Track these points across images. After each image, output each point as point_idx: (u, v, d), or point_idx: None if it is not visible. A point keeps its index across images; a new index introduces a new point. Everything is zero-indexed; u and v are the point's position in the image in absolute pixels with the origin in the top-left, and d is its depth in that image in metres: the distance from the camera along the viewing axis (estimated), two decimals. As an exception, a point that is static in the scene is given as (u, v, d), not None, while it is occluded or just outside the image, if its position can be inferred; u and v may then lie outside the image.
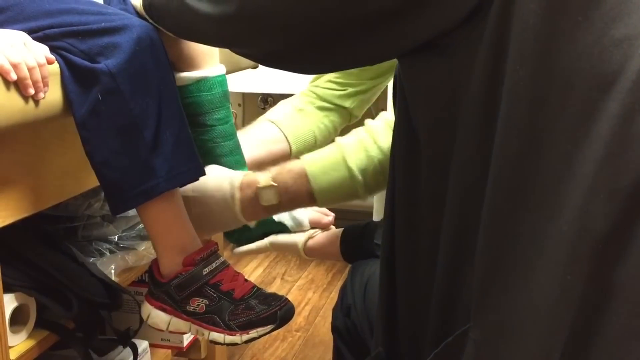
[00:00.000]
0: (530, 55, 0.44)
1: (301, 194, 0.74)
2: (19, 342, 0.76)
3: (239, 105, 2.19)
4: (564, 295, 0.43)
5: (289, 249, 0.88)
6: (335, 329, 0.86)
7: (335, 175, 0.73)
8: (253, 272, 1.95)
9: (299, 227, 0.86)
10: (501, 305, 0.47)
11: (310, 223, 0.88)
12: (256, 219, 0.78)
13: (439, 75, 0.51)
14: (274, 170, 0.76)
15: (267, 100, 2.18)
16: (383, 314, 0.61)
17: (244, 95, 2.17)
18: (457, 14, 0.47)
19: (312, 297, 1.81)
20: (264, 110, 2.20)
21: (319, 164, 0.75)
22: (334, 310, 0.88)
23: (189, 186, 0.77)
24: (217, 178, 0.77)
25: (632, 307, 0.41)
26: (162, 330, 0.77)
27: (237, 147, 0.84)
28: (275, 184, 0.74)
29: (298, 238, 0.88)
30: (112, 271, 0.94)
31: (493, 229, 0.47)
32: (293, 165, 0.76)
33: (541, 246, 0.44)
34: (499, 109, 0.46)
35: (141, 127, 0.69)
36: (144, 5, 0.72)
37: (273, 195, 0.74)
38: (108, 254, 0.98)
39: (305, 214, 0.86)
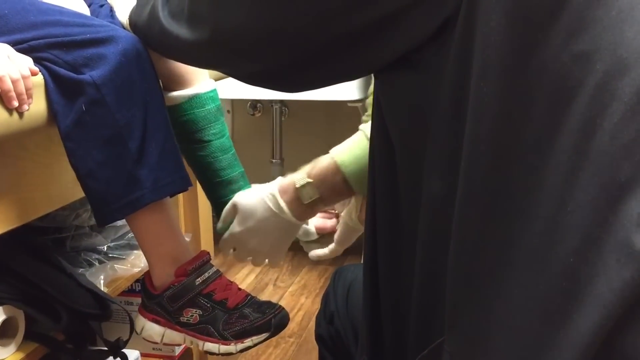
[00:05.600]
0: (492, 71, 0.45)
1: (337, 184, 0.75)
2: (8, 355, 0.76)
3: (228, 111, 2.18)
4: (537, 305, 0.44)
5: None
6: (319, 337, 0.86)
7: (363, 155, 0.73)
8: (245, 278, 1.94)
9: (306, 236, 0.86)
10: (474, 316, 0.47)
11: (317, 230, 0.88)
12: (309, 217, 0.79)
13: (411, 89, 0.52)
14: (307, 167, 0.77)
15: (257, 106, 2.18)
16: (367, 322, 0.61)
17: (233, 101, 2.17)
18: (425, 32, 0.48)
19: (305, 302, 1.81)
20: (253, 116, 2.20)
21: (346, 151, 0.75)
22: (317, 317, 0.88)
23: (235, 223, 0.78)
24: (255, 198, 0.78)
25: (604, 312, 0.42)
26: (156, 343, 0.77)
27: (235, 159, 0.85)
28: (311, 180, 0.75)
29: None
30: (102, 281, 0.93)
31: (463, 241, 0.47)
32: (323, 159, 0.77)
33: (512, 258, 0.45)
34: (466, 125, 0.47)
35: (126, 138, 0.68)
36: (130, 24, 0.73)
37: (313, 191, 0.74)
38: (97, 264, 0.97)
39: (312, 222, 0.86)
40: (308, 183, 0.75)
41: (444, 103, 0.48)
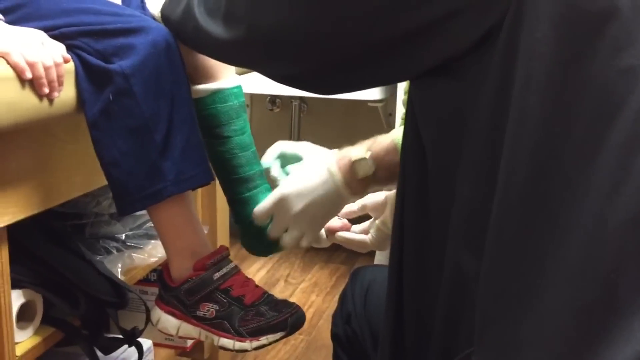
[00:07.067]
0: (536, 82, 0.44)
1: (393, 164, 0.74)
2: (26, 338, 0.76)
3: (247, 106, 2.18)
4: (574, 319, 0.43)
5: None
6: (334, 337, 0.85)
7: None
8: (257, 273, 1.95)
9: (317, 243, 0.85)
10: (506, 328, 0.46)
11: (327, 232, 0.86)
12: (358, 195, 0.77)
13: (447, 97, 0.51)
14: (366, 143, 0.76)
15: (275, 102, 2.18)
16: (389, 330, 0.61)
17: (252, 96, 2.17)
18: (467, 40, 0.48)
19: (316, 300, 1.81)
20: (271, 111, 2.20)
21: None
22: (334, 317, 0.87)
23: (287, 183, 0.77)
24: (310, 162, 0.77)
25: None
26: (171, 335, 0.77)
27: (255, 157, 0.85)
28: (369, 155, 0.74)
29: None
30: (119, 269, 0.94)
31: (498, 252, 0.47)
32: (383, 139, 0.75)
33: (548, 271, 0.44)
34: (505, 135, 0.46)
35: (152, 129, 0.69)
36: (163, 18, 0.73)
37: (369, 166, 0.73)
38: (115, 252, 0.98)
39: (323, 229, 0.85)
40: (365, 158, 0.74)
41: (483, 112, 0.48)
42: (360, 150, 0.75)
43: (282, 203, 0.77)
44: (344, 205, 0.79)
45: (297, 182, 0.77)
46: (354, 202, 0.80)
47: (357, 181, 0.74)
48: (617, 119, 0.42)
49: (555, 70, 0.44)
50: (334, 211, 0.79)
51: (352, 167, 0.74)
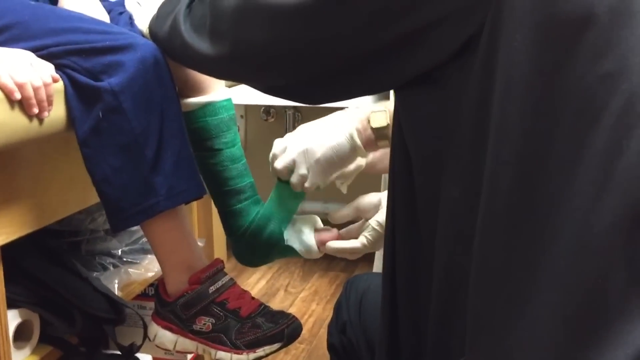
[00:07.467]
0: (516, 91, 0.44)
1: None
2: (23, 358, 0.76)
3: (242, 116, 2.19)
4: (564, 325, 0.43)
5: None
6: (330, 347, 0.85)
7: None
8: (256, 283, 1.94)
9: (307, 252, 0.85)
10: (496, 336, 0.47)
11: (318, 243, 0.86)
12: (367, 147, 0.78)
13: (430, 106, 0.52)
14: (385, 102, 0.79)
15: (270, 112, 2.19)
16: (385, 339, 0.61)
17: (247, 107, 2.18)
18: (448, 49, 0.48)
19: (316, 308, 1.80)
20: (266, 121, 2.20)
21: None
22: (329, 327, 0.87)
23: (308, 133, 0.78)
24: (331, 117, 0.79)
25: (636, 331, 0.41)
26: (169, 350, 0.77)
27: (246, 169, 0.85)
28: (387, 110, 0.76)
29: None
30: (116, 285, 0.94)
31: (486, 263, 0.47)
32: None
33: (537, 278, 0.45)
34: (488, 143, 0.46)
35: (142, 145, 0.69)
36: (151, 35, 0.73)
37: (384, 118, 0.75)
38: (111, 268, 0.98)
39: (313, 240, 0.85)
40: (383, 111, 0.76)
41: (465, 121, 0.48)
42: (380, 106, 0.78)
43: (293, 136, 0.79)
44: (356, 157, 0.79)
45: (317, 131, 0.78)
46: (366, 157, 0.81)
47: (369, 131, 0.76)
48: (597, 124, 0.42)
49: (534, 78, 0.44)
50: (347, 160, 0.79)
51: (368, 118, 0.76)
